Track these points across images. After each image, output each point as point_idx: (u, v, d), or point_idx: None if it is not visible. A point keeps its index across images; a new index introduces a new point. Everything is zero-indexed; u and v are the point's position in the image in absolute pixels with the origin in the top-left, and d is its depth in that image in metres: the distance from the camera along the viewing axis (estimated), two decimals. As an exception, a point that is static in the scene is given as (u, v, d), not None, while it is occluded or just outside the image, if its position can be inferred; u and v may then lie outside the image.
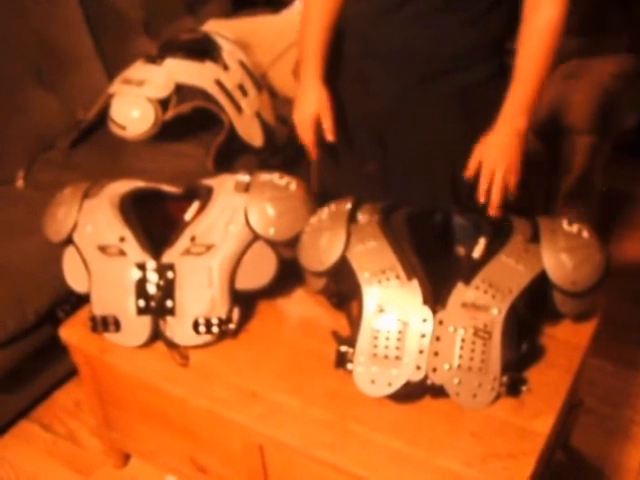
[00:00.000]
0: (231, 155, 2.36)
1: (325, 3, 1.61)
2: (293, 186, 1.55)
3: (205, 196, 1.56)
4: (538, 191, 2.29)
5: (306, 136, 1.67)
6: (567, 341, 1.45)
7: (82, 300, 1.63)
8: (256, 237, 1.51)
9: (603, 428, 1.90)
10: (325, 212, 1.49)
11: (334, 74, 1.67)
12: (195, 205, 1.56)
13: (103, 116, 2.35)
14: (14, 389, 1.98)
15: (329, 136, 1.65)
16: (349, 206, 1.47)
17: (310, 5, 1.63)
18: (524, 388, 1.33)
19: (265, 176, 1.57)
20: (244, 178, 1.56)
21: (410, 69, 1.56)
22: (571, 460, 1.80)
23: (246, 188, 1.54)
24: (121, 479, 1.87)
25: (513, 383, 1.32)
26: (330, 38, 1.63)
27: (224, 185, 1.57)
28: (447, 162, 1.62)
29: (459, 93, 1.57)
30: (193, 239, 1.50)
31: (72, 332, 1.62)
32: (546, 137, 2.22)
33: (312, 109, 1.64)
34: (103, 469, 1.89)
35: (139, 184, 1.65)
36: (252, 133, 2.38)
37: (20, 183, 2.31)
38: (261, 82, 2.53)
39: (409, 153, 1.66)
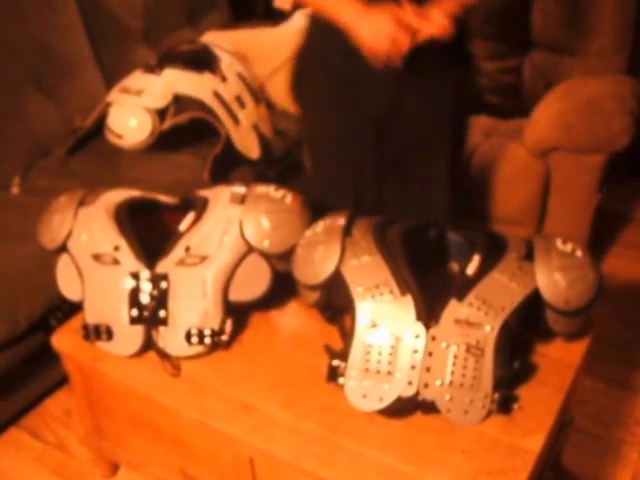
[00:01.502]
0: (227, 166, 2.36)
1: None
2: (289, 199, 1.55)
3: (200, 207, 1.56)
4: (534, 210, 2.30)
5: (404, 41, 1.49)
6: (559, 359, 1.45)
7: (75, 308, 1.63)
8: (250, 249, 1.51)
9: (594, 447, 1.90)
10: (320, 226, 1.49)
11: (316, 86, 1.71)
12: (190, 216, 1.56)
13: (100, 124, 2.36)
14: (4, 396, 1.97)
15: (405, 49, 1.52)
16: (344, 220, 1.47)
17: None
18: (515, 406, 1.33)
19: (261, 188, 1.57)
20: (240, 190, 1.56)
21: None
22: (561, 479, 1.80)
23: (242, 200, 1.54)
24: (109, 489, 1.86)
25: (504, 400, 1.32)
26: None
27: (220, 196, 1.57)
28: (444, 142, 1.72)
29: (444, 71, 1.65)
30: (187, 250, 1.50)
31: (64, 340, 1.62)
32: (542, 156, 2.23)
33: (387, 22, 1.48)
34: (92, 478, 1.88)
35: (135, 193, 1.66)
36: (249, 145, 2.39)
37: (15, 189, 2.30)
38: (259, 94, 2.54)
39: (409, 140, 1.71)
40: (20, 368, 1.95)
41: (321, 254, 1.43)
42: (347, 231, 1.45)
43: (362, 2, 1.53)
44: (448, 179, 1.78)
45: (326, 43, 1.65)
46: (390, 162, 1.75)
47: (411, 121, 1.69)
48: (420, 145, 1.73)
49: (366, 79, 1.62)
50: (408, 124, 1.69)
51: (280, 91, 2.74)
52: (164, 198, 1.66)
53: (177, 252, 1.51)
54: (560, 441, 1.65)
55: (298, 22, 2.76)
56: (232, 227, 1.51)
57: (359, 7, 1.53)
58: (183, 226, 1.55)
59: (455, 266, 1.54)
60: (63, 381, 1.98)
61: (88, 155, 2.41)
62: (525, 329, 1.39)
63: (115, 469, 1.87)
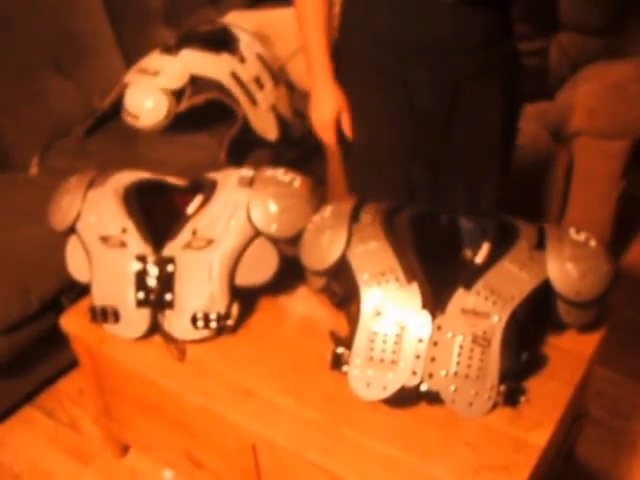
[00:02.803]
0: (245, 148, 2.34)
1: (322, 5, 1.59)
2: (297, 183, 1.53)
3: (209, 190, 1.54)
4: (556, 195, 2.25)
5: (329, 137, 1.70)
6: (570, 351, 1.41)
7: (87, 289, 1.62)
8: (258, 233, 1.49)
9: (609, 440, 1.86)
10: (328, 210, 1.46)
11: (360, 82, 1.65)
12: (198, 198, 1.55)
13: (118, 105, 2.35)
14: (18, 375, 1.98)
15: (350, 133, 1.68)
16: (352, 205, 1.44)
17: (307, 10, 1.60)
18: (522, 398, 1.30)
19: (269, 172, 1.55)
20: (248, 173, 1.54)
21: (451, 61, 1.54)
22: (575, 473, 1.76)
23: (250, 183, 1.52)
24: (119, 469, 1.87)
25: (511, 393, 1.29)
26: (331, 36, 1.63)
27: (228, 179, 1.55)
28: (497, 149, 1.68)
29: (498, 67, 1.60)
30: (194, 233, 1.49)
31: (72, 321, 1.62)
32: (565, 140, 2.18)
33: (331, 111, 1.66)
34: (102, 458, 1.89)
35: (144, 175, 1.64)
36: (267, 127, 2.36)
37: (35, 169, 2.31)
38: (279, 75, 2.51)
39: (461, 147, 1.66)
40: (33, 348, 1.96)
41: (328, 239, 1.41)
42: (355, 216, 1.42)
43: (330, 72, 1.63)
44: (497, 181, 1.74)
45: (370, 44, 1.59)
46: (442, 164, 1.71)
47: (465, 122, 1.63)
48: (473, 147, 1.68)
49: (419, 82, 1.58)
50: (462, 125, 1.64)
51: (301, 72, 2.71)
52: (173, 180, 1.65)
53: (184, 235, 1.49)
54: (573, 434, 1.62)
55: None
56: (239, 210, 1.49)
57: (324, 77, 1.64)
58: (191, 209, 1.54)
59: (469, 253, 1.51)
60: (77, 361, 1.98)
61: (106, 135, 2.40)
62: (535, 320, 1.36)
63: (125, 450, 1.87)
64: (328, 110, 1.66)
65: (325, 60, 1.63)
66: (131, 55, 2.59)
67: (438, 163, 1.69)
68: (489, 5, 1.49)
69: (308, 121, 1.75)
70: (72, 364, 2.10)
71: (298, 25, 1.64)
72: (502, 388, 1.28)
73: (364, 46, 1.61)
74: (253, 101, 2.31)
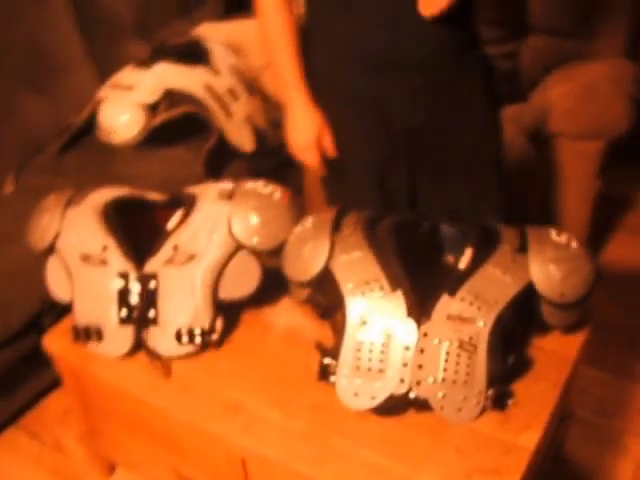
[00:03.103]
0: (222, 160, 2.34)
1: (287, 24, 1.57)
2: (277, 194, 1.52)
3: (188, 204, 1.54)
4: (535, 197, 2.27)
5: (311, 159, 1.67)
6: (555, 353, 1.42)
7: (67, 308, 1.61)
8: (240, 246, 1.49)
9: (595, 438, 1.87)
10: (309, 221, 1.46)
11: (329, 101, 1.64)
12: (178, 213, 1.54)
13: (92, 121, 2.33)
14: (1, 397, 1.96)
15: (333, 152, 1.67)
16: (333, 215, 1.44)
17: (273, 31, 1.58)
18: (510, 402, 1.31)
19: (249, 184, 1.55)
20: (227, 186, 1.54)
21: (423, 70, 1.54)
22: (563, 472, 1.77)
23: (230, 196, 1.52)
24: (107, 489, 1.85)
25: (499, 397, 1.29)
26: (301, 56, 1.61)
27: (208, 193, 1.54)
28: (489, 149, 1.67)
29: (472, 74, 1.60)
30: (176, 248, 1.48)
31: (55, 341, 1.60)
32: (541, 142, 2.20)
33: (311, 133, 1.63)
34: (89, 479, 1.87)
35: (122, 192, 1.63)
36: (242, 138, 2.36)
37: (9, 189, 2.29)
38: (253, 86, 2.51)
39: (447, 155, 1.65)
40: (16, 369, 1.94)
41: (310, 250, 1.40)
42: (336, 226, 1.42)
43: (306, 92, 1.61)
44: (499, 186, 1.72)
45: (336, 61, 1.59)
46: (429, 179, 1.70)
47: (446, 138, 1.63)
48: (461, 159, 1.66)
49: (392, 95, 1.57)
50: (443, 141, 1.63)
51: (276, 82, 2.72)
52: (152, 196, 1.64)
53: (165, 251, 1.49)
54: (560, 434, 1.63)
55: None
56: (220, 224, 1.49)
57: (299, 98, 1.61)
58: (171, 224, 1.53)
59: (450, 259, 1.51)
60: (59, 381, 1.96)
61: (81, 152, 2.38)
62: (520, 323, 1.37)
63: (112, 469, 1.85)
64: (308, 132, 1.63)
65: (299, 80, 1.60)
66: (104, 70, 2.57)
67: (420, 175, 1.69)
68: (460, 12, 1.48)
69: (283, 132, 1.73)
70: (55, 384, 2.08)
71: (265, 45, 1.62)
72: (490, 392, 1.29)
73: (331, 63, 1.60)
74: (228, 113, 2.31)
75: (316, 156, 1.66)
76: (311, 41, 1.62)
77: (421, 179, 1.70)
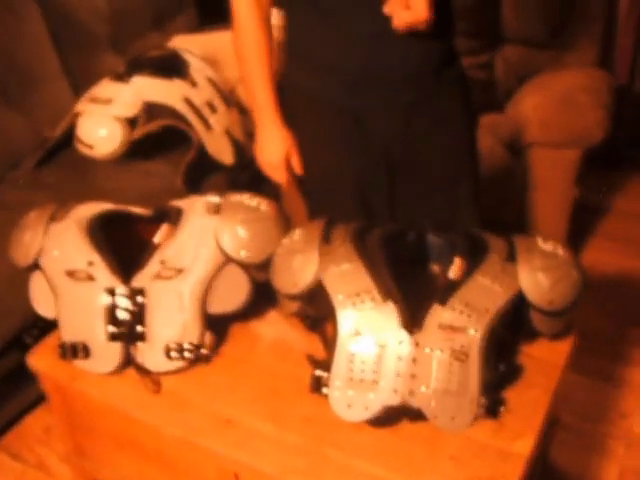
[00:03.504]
0: (201, 173, 2.33)
1: (262, 42, 1.58)
2: (264, 207, 1.52)
3: (175, 218, 1.53)
4: (513, 206, 2.29)
5: (280, 177, 1.71)
6: (544, 360, 1.43)
7: (50, 325, 1.59)
8: (228, 260, 1.48)
9: (580, 443, 1.89)
10: (297, 233, 1.46)
11: (309, 117, 1.65)
12: (164, 227, 1.53)
13: (69, 135, 2.32)
14: (-19, 416, 1.93)
15: (300, 171, 1.70)
16: (322, 227, 1.44)
17: (247, 49, 1.59)
18: (503, 409, 1.31)
19: (236, 197, 1.54)
20: (214, 199, 1.53)
21: (403, 86, 1.55)
22: (548, 477, 1.79)
23: (217, 210, 1.51)
24: (93, 508, 1.82)
25: (492, 404, 1.30)
26: (275, 75, 1.62)
27: (194, 207, 1.53)
28: (466, 164, 1.68)
29: (449, 90, 1.61)
30: (163, 262, 1.47)
31: (40, 359, 1.58)
32: (518, 151, 2.22)
33: (280, 152, 1.66)
34: (74, 498, 1.85)
35: (106, 206, 1.61)
36: (222, 150, 2.36)
37: (-16, 204, 2.26)
38: (230, 98, 2.51)
39: (427, 169, 1.66)
40: (-3, 387, 1.91)
41: (299, 262, 1.40)
42: (325, 238, 1.43)
43: (277, 112, 1.62)
44: (474, 204, 1.74)
45: (316, 76, 1.59)
46: (406, 201, 1.72)
47: (425, 153, 1.64)
48: (437, 179, 1.68)
49: (371, 110, 1.58)
50: (422, 156, 1.64)
51: (247, 98, 2.72)
52: (137, 210, 1.62)
53: (153, 265, 1.47)
54: (547, 440, 1.64)
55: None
56: (208, 238, 1.48)
57: (269, 118, 1.63)
58: (158, 238, 1.52)
59: (436, 268, 1.52)
60: (41, 399, 1.94)
61: (58, 166, 2.36)
62: (510, 331, 1.38)
63: (98, 487, 1.83)
64: (277, 152, 1.65)
65: (270, 99, 1.61)
66: (79, 83, 2.57)
67: (401, 188, 1.70)
68: (441, 28, 1.49)
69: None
70: (36, 402, 2.05)
71: (238, 57, 1.62)
72: (482, 400, 1.29)
73: (309, 78, 1.61)
74: (207, 126, 2.31)
75: (284, 174, 1.69)
76: (291, 55, 1.63)
77: (400, 192, 1.71)
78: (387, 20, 1.42)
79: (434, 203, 1.71)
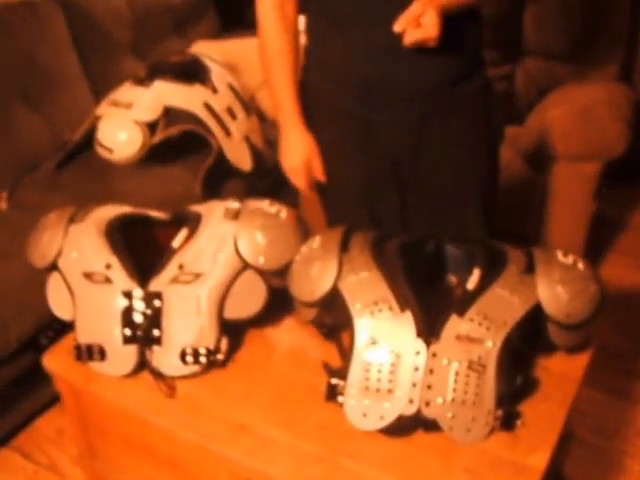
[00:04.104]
0: (219, 179, 2.34)
1: (285, 43, 1.59)
2: (284, 214, 1.52)
3: (193, 223, 1.53)
4: (531, 218, 2.28)
5: (300, 182, 1.71)
6: (561, 373, 1.42)
7: (66, 326, 1.59)
8: (246, 266, 1.48)
9: (595, 459, 1.87)
10: (316, 241, 1.46)
11: (323, 122, 1.65)
12: (183, 232, 1.53)
13: (89, 138, 2.33)
14: (-4, 416, 1.94)
15: (322, 177, 1.69)
16: (341, 235, 1.44)
17: (271, 53, 1.60)
18: (519, 422, 1.30)
19: (255, 203, 1.54)
20: (233, 205, 1.53)
21: (416, 100, 1.54)
22: (563, 493, 1.77)
23: (235, 215, 1.51)
24: (104, 511, 1.82)
25: (507, 417, 1.29)
26: (298, 79, 1.62)
27: (213, 212, 1.54)
28: (477, 180, 1.66)
29: (466, 104, 1.59)
30: (181, 267, 1.47)
31: (56, 360, 1.58)
32: (537, 164, 2.22)
33: (301, 156, 1.65)
34: (85, 500, 1.85)
35: (126, 209, 1.62)
36: (241, 157, 2.36)
37: (3, 204, 2.27)
38: (250, 105, 2.52)
39: (436, 184, 1.65)
40: (10, 388, 1.91)
41: (318, 270, 1.40)
42: (344, 246, 1.42)
43: (299, 116, 1.63)
44: (483, 219, 1.72)
45: (331, 85, 1.60)
46: (414, 212, 1.71)
47: (435, 167, 1.63)
48: (448, 191, 1.67)
49: (383, 122, 1.58)
50: (432, 171, 1.63)
51: (270, 102, 2.72)
52: (156, 214, 1.63)
53: (170, 269, 1.48)
54: (561, 455, 1.63)
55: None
56: (226, 243, 1.48)
57: (292, 121, 1.63)
58: (176, 243, 1.52)
59: (453, 279, 1.52)
60: (54, 400, 1.95)
61: (77, 169, 2.38)
62: (527, 343, 1.37)
63: (109, 490, 1.83)
64: (298, 156, 1.65)
65: (292, 103, 1.62)
66: (99, 87, 2.59)
67: (410, 202, 1.70)
68: (456, 44, 1.49)
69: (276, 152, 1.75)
70: (49, 403, 2.06)
71: (262, 64, 1.63)
72: (499, 413, 1.28)
73: (325, 86, 1.61)
74: (227, 132, 2.31)
75: (305, 180, 1.69)
76: (310, 61, 1.64)
77: (410, 206, 1.71)
78: (399, 35, 1.42)
79: (442, 219, 1.70)
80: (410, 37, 1.37)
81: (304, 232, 1.53)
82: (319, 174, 1.68)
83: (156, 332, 1.46)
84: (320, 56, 1.61)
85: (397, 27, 1.36)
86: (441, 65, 1.51)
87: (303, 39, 1.63)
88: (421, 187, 1.66)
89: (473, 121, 1.61)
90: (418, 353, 1.28)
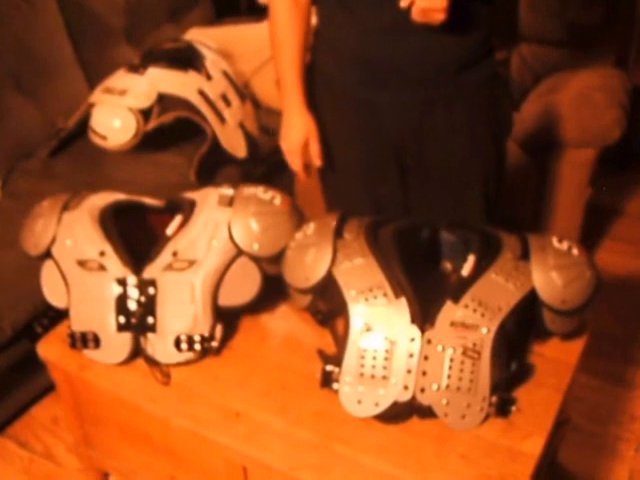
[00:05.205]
0: (214, 166, 2.33)
1: (295, 27, 1.57)
2: (278, 200, 1.52)
3: (187, 210, 1.53)
4: (527, 205, 2.28)
5: (296, 163, 1.68)
6: (556, 359, 1.43)
7: (60, 314, 1.59)
8: (240, 252, 1.47)
9: (590, 445, 1.88)
10: (311, 227, 1.46)
11: (329, 103, 1.64)
12: (177, 219, 1.53)
13: (83, 125, 2.31)
14: (-10, 404, 1.94)
15: (317, 161, 1.67)
16: (335, 221, 1.44)
17: (279, 32, 1.59)
18: (513, 408, 1.30)
19: (249, 190, 1.54)
20: (228, 192, 1.53)
21: (421, 84, 1.52)
22: (557, 478, 1.78)
23: (230, 202, 1.51)
24: (99, 498, 1.83)
25: (502, 403, 1.29)
26: (304, 60, 1.61)
27: (207, 199, 1.53)
28: (479, 170, 1.65)
29: (473, 93, 1.56)
30: (175, 254, 1.47)
31: (50, 348, 1.58)
32: (533, 151, 2.21)
33: (300, 136, 1.63)
34: (81, 488, 1.85)
35: (120, 197, 1.61)
36: (235, 144, 2.35)
37: (-4, 193, 2.26)
38: (244, 92, 2.50)
39: (438, 170, 1.64)
40: (5, 376, 1.91)
41: (312, 257, 1.40)
42: (338, 233, 1.42)
43: (302, 96, 1.62)
44: (484, 208, 1.71)
45: (338, 65, 1.59)
46: (416, 196, 1.70)
47: (437, 154, 1.62)
48: (449, 179, 1.66)
49: (387, 105, 1.56)
50: (434, 157, 1.62)
51: (265, 88, 2.71)
52: (150, 201, 1.62)
53: (164, 257, 1.47)
54: (556, 441, 1.63)
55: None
56: (220, 230, 1.48)
57: (294, 100, 1.62)
58: (170, 230, 1.52)
59: (448, 266, 1.51)
60: (50, 388, 1.94)
61: (71, 157, 2.36)
62: (522, 330, 1.37)
63: (105, 478, 1.83)
64: (296, 137, 1.64)
65: (297, 83, 1.61)
66: (93, 74, 2.56)
67: (411, 187, 1.69)
68: (464, 28, 1.46)
69: (274, 137, 1.73)
70: (44, 391, 2.06)
71: (271, 42, 1.63)
72: (493, 399, 1.29)
73: (331, 67, 1.60)
74: (221, 119, 2.30)
75: (300, 161, 1.67)
76: (317, 43, 1.63)
77: (411, 191, 1.70)
78: (406, 15, 1.40)
79: (442, 205, 1.69)
80: (418, 5, 1.35)
81: (299, 218, 1.52)
82: (315, 157, 1.66)
83: (150, 319, 1.45)
84: (327, 36, 1.60)
85: (403, 2, 1.35)
86: (448, 48, 1.48)
87: (314, 20, 1.62)
88: (423, 173, 1.66)
89: (479, 111, 1.59)
90: (413, 340, 1.28)
